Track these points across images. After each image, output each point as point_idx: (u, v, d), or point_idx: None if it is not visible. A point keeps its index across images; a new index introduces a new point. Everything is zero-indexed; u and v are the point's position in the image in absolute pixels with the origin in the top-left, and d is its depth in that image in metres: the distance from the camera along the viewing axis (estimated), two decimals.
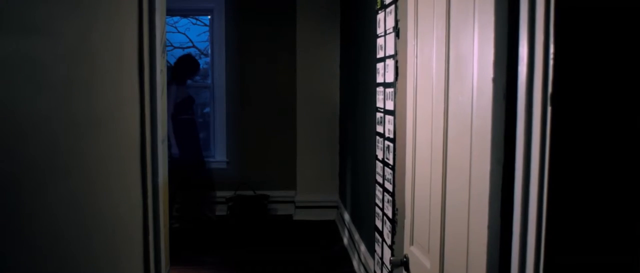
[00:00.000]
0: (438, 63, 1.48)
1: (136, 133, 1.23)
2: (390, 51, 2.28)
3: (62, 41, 0.94)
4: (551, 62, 1.00)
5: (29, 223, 0.88)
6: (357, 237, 3.94)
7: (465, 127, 1.29)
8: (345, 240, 4.54)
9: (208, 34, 5.97)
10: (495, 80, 1.14)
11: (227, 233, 4.91)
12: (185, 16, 6.12)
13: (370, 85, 3.02)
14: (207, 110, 5.96)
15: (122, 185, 1.19)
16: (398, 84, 2.17)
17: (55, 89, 0.92)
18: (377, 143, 2.62)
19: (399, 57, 2.16)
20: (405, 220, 1.84)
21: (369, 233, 3.26)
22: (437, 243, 1.49)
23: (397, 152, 2.21)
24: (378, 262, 2.64)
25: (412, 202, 1.77)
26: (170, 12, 5.69)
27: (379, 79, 2.56)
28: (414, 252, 1.72)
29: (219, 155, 5.57)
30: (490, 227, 1.16)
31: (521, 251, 1.07)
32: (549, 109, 1.00)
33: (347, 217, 4.59)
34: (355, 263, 3.93)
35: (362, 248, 3.63)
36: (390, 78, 2.30)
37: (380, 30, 2.53)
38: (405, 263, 1.77)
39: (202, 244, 4.60)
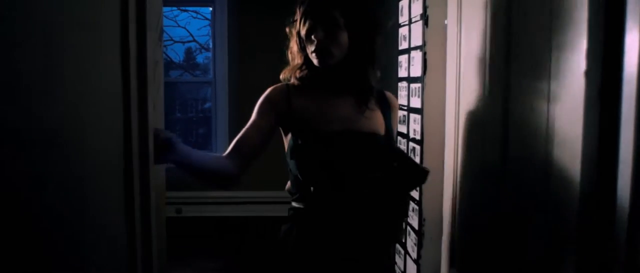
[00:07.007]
0: (494, 54, 1.22)
1: (118, 147, 0.89)
2: (417, 42, 2.02)
3: None
4: None
5: None
6: None
7: (538, 134, 1.02)
8: None
9: (209, 27, 5.71)
10: (588, 73, 0.87)
11: (229, 236, 4.67)
12: (182, 9, 5.85)
13: (389, 80, 2.75)
14: (208, 105, 5.74)
15: (97, 223, 0.84)
16: (427, 79, 1.90)
17: None
18: (398, 145, 2.35)
19: (428, 49, 1.90)
20: (443, 237, 1.58)
21: None
22: None
23: (425, 156, 1.95)
24: None
25: (451, 217, 1.51)
26: (169, 2, 5.41)
27: (402, 73, 2.29)
28: None
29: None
30: None
31: None
32: None
33: None
34: None
35: None
36: (416, 72, 2.03)
37: (403, 19, 2.26)
38: None
39: (203, 247, 4.36)
